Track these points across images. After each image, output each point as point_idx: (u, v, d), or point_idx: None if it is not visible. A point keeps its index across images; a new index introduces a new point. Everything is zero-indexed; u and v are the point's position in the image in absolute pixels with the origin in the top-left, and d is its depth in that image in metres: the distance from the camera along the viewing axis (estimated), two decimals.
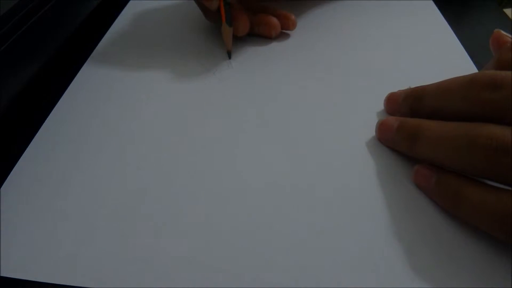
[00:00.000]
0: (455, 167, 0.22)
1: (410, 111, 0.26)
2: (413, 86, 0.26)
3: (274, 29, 0.35)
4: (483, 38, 0.34)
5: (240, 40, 0.35)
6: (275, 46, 0.35)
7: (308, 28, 0.36)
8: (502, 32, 0.27)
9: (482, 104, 0.21)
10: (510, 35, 0.27)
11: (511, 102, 0.20)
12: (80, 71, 0.33)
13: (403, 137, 0.24)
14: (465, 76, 0.23)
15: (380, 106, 0.28)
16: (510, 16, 0.38)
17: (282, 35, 0.36)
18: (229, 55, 0.34)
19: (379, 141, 0.26)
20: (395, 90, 0.27)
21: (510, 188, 0.19)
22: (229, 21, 0.32)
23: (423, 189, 0.23)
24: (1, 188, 0.24)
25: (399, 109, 0.27)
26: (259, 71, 0.32)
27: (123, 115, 0.29)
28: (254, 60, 0.33)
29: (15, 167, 0.25)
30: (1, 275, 0.20)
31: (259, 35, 0.35)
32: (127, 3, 0.42)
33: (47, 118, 0.29)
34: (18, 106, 0.30)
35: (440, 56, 0.32)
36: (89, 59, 0.34)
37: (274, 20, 0.35)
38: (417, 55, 0.32)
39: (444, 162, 0.22)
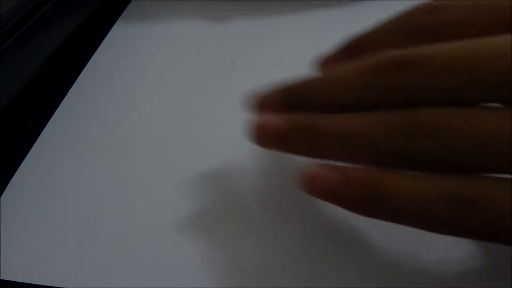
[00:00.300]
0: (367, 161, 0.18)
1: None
2: None
3: None
4: None
5: (242, 40, 0.35)
6: (277, 45, 0.35)
7: (311, 30, 0.36)
8: None
9: (391, 90, 0.17)
10: None
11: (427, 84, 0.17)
12: (82, 73, 0.33)
13: (297, 140, 0.19)
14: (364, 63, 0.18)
15: None
16: None
17: (284, 36, 0.35)
18: None
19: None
20: None
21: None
22: None
23: (325, 196, 0.18)
24: (4, 191, 0.24)
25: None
26: (262, 72, 0.32)
27: (126, 116, 0.29)
28: (257, 60, 0.33)
29: (18, 169, 0.25)
30: (3, 278, 0.20)
31: None
32: (129, 3, 0.42)
33: (50, 120, 0.29)
34: (18, 106, 0.30)
35: None
36: (91, 60, 0.34)
37: None
38: None
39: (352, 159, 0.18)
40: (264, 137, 0.20)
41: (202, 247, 0.21)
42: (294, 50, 0.34)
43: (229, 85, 0.31)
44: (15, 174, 0.25)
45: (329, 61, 0.23)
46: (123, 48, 0.35)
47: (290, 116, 0.20)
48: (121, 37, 0.37)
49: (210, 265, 0.20)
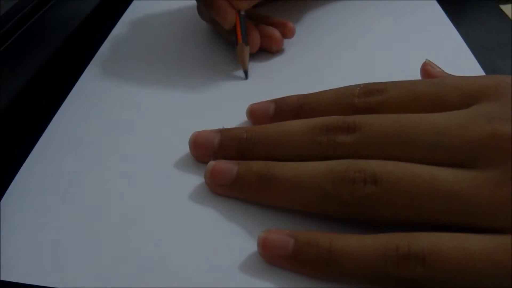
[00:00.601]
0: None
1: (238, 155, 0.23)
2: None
3: (275, 43, 0.32)
4: (483, 38, 0.34)
5: None
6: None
7: (311, 31, 0.36)
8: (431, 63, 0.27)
9: (333, 147, 0.21)
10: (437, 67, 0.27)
11: (365, 143, 0.20)
12: (84, 73, 0.33)
13: (250, 185, 0.22)
14: (303, 122, 0.22)
15: None
16: (509, 15, 0.38)
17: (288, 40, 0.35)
18: (246, 75, 0.31)
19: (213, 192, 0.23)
20: None
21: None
22: (245, 39, 0.30)
23: (279, 263, 0.19)
24: (6, 192, 0.24)
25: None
26: (273, 78, 0.32)
27: (128, 117, 0.29)
28: (266, 68, 0.33)
29: (19, 171, 0.25)
30: (6, 279, 0.20)
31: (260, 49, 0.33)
32: (131, 3, 0.41)
33: (52, 120, 0.29)
34: (18, 107, 0.30)
35: (445, 57, 0.31)
36: (93, 60, 0.34)
37: (277, 34, 0.32)
38: (421, 55, 0.30)
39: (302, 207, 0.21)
40: (217, 180, 0.22)
41: (204, 248, 0.21)
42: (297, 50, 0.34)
43: (232, 85, 0.31)
44: (16, 174, 0.25)
45: (266, 113, 0.26)
46: (124, 48, 0.35)
47: (243, 162, 0.22)
48: (122, 36, 0.37)
49: (211, 265, 0.20)
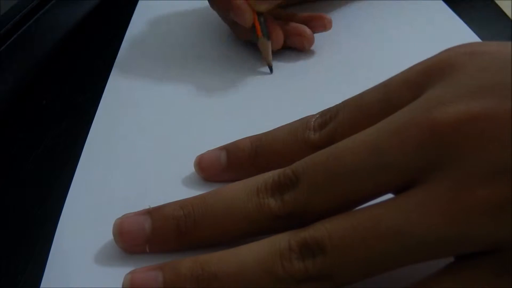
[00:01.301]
0: None
1: None
2: None
3: (307, 41, 0.32)
4: (483, 38, 0.34)
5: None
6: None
7: (335, 32, 0.35)
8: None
9: (283, 208, 0.18)
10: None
11: (310, 192, 0.17)
12: (82, 73, 0.33)
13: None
14: (245, 185, 0.19)
15: None
16: (509, 15, 0.38)
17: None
18: (271, 69, 0.31)
19: None
20: None
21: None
22: (266, 34, 0.30)
23: None
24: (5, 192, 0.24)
25: None
26: (297, 75, 0.31)
27: (128, 117, 0.29)
28: (290, 65, 0.33)
29: (19, 170, 0.25)
30: None
31: (291, 47, 0.33)
32: (133, 2, 0.41)
33: (51, 120, 0.28)
34: (18, 107, 0.30)
35: None
36: (91, 60, 0.34)
37: (308, 31, 0.32)
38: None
39: None
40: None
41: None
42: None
43: (258, 81, 0.31)
44: (16, 174, 0.25)
45: (217, 163, 0.23)
46: (125, 49, 0.35)
47: (167, 266, 0.18)
48: (139, 37, 0.37)
49: None
